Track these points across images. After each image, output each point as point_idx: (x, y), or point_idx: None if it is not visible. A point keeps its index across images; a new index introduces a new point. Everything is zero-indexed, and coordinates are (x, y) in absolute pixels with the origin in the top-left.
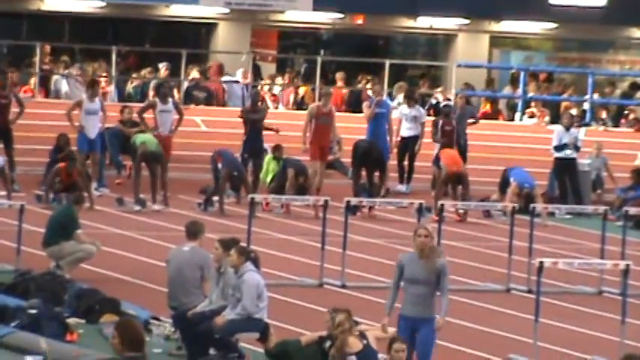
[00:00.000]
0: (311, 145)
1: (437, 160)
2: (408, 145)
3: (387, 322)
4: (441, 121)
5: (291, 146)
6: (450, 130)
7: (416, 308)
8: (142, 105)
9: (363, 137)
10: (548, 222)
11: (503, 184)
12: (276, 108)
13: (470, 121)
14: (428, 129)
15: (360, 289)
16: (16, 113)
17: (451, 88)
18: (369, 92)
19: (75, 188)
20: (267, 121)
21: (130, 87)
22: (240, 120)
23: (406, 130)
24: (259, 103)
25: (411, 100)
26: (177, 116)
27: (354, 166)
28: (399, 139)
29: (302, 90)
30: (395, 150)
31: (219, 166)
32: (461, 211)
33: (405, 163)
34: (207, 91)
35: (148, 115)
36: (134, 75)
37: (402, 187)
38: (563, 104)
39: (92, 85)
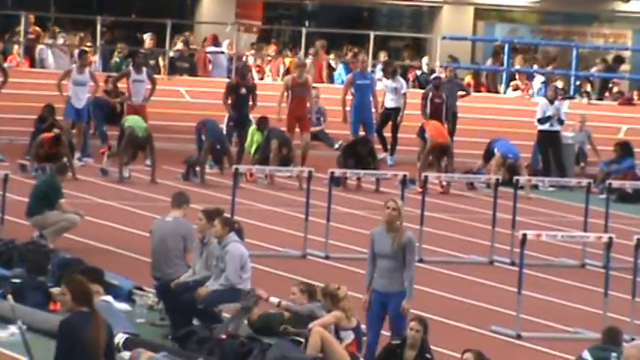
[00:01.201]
0: (287, 116)
1: (422, 132)
2: (390, 116)
3: (366, 298)
4: (430, 94)
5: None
6: (439, 103)
7: (384, 282)
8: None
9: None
10: (532, 194)
11: (488, 155)
12: (261, 79)
13: (461, 93)
14: (415, 101)
15: (343, 261)
16: (0, 82)
17: (435, 60)
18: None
19: (58, 158)
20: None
21: (116, 57)
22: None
23: (389, 102)
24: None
25: (386, 72)
26: (150, 86)
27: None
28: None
29: (287, 61)
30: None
31: (203, 137)
32: (444, 183)
33: (389, 134)
34: (191, 62)
35: (122, 85)
36: (119, 45)
37: (388, 159)
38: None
39: (80, 56)
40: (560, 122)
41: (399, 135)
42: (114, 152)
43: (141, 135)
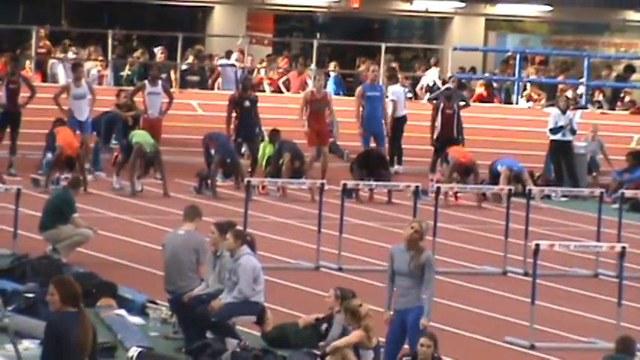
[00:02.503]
0: (307, 130)
1: (445, 157)
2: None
3: (388, 317)
4: (441, 105)
5: (291, 130)
6: (450, 114)
7: (403, 300)
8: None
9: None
10: (542, 204)
11: (493, 175)
12: (274, 92)
13: (461, 104)
14: (426, 112)
15: (356, 272)
16: (26, 98)
17: (447, 71)
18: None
19: (72, 164)
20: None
21: (126, 70)
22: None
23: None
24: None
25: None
26: (167, 99)
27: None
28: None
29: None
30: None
31: (212, 151)
32: (459, 194)
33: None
34: (202, 75)
35: (138, 98)
36: (129, 58)
37: (400, 168)
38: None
39: (74, 69)
40: (573, 132)
41: (410, 145)
42: (120, 162)
43: (149, 151)
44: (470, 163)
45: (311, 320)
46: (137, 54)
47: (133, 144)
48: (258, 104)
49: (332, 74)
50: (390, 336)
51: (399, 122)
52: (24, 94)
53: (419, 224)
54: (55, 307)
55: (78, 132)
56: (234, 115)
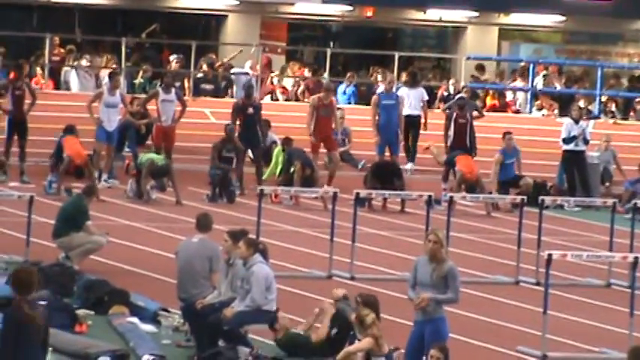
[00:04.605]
0: (313, 137)
1: (452, 163)
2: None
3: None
4: (454, 114)
5: (304, 138)
6: (463, 124)
7: (423, 311)
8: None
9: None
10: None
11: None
12: (287, 100)
13: (475, 114)
14: (439, 121)
15: (369, 281)
16: (28, 104)
17: (460, 80)
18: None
19: (81, 173)
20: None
21: (140, 78)
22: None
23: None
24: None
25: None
26: (180, 107)
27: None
28: None
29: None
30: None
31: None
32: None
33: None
34: (215, 84)
35: (151, 106)
36: (144, 68)
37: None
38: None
39: (111, 78)
40: (586, 142)
41: (423, 155)
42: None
43: (160, 164)
44: (474, 179)
45: (323, 336)
46: (145, 67)
47: (144, 162)
48: (271, 113)
49: (346, 84)
50: (409, 347)
51: (413, 121)
52: (27, 101)
53: (435, 235)
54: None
55: (106, 143)
56: (238, 122)
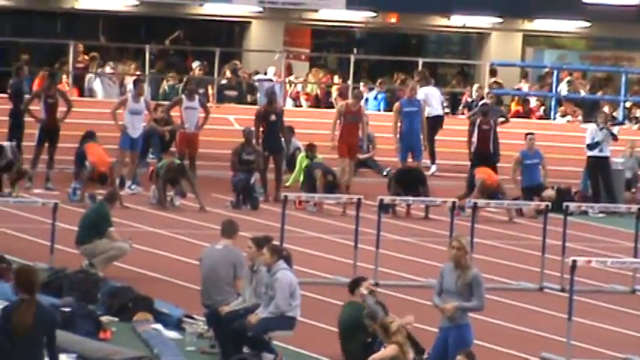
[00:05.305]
0: (339, 142)
1: (471, 178)
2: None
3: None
4: (478, 120)
5: (327, 144)
6: (487, 130)
7: (449, 318)
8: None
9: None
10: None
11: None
12: (310, 107)
13: (501, 120)
14: (463, 127)
15: (393, 288)
16: (63, 112)
17: (484, 86)
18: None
19: (104, 180)
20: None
21: (165, 85)
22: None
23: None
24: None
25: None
26: (203, 114)
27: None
28: None
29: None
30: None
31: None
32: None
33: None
34: (239, 90)
35: (175, 113)
36: (170, 75)
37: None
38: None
39: (135, 85)
40: (614, 137)
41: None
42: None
43: (174, 166)
44: (495, 185)
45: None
46: (171, 75)
47: (162, 166)
48: (295, 119)
49: (377, 90)
50: (432, 354)
51: (432, 121)
52: (61, 108)
53: (458, 242)
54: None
55: (130, 150)
56: (261, 129)
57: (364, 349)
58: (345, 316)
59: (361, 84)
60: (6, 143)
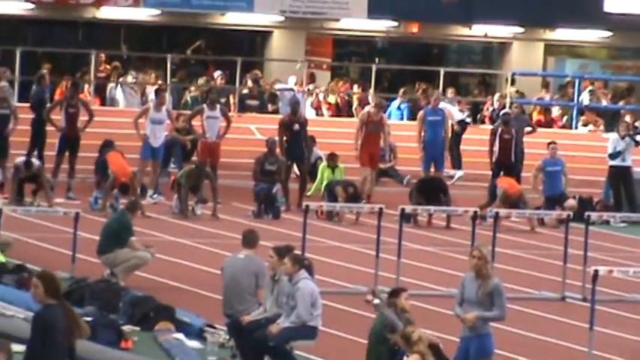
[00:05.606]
0: (360, 151)
1: (493, 188)
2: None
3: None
4: (499, 130)
5: (349, 154)
6: (508, 139)
7: (470, 327)
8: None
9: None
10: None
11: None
12: (332, 116)
13: (528, 129)
14: (484, 137)
15: (415, 297)
16: (84, 121)
17: (506, 96)
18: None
19: (126, 190)
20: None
21: (188, 96)
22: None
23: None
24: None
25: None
26: (224, 123)
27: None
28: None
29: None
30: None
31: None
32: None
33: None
34: (261, 99)
35: (196, 123)
36: (193, 86)
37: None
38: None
39: (157, 94)
40: (636, 143)
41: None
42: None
43: (196, 167)
44: (517, 194)
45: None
46: (201, 81)
47: (182, 174)
48: (317, 128)
49: (400, 99)
50: None
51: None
52: (82, 117)
53: (479, 251)
54: (38, 299)
55: (151, 160)
56: (284, 138)
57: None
58: (378, 325)
59: (370, 93)
60: (36, 162)
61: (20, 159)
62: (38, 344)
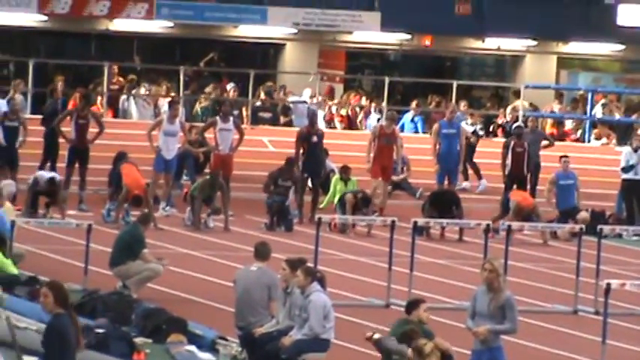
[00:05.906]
0: (373, 163)
1: (506, 201)
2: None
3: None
4: (512, 143)
5: (361, 167)
6: (521, 152)
7: (482, 341)
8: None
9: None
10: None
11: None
12: (344, 129)
13: (544, 143)
14: (497, 150)
15: (427, 310)
16: (95, 133)
17: (519, 109)
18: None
19: (139, 202)
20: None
21: (198, 107)
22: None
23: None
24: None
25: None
26: (238, 135)
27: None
28: None
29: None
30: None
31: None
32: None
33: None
34: (273, 112)
35: (209, 135)
36: (203, 96)
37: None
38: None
39: (170, 106)
40: None
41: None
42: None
43: (209, 177)
44: (530, 207)
45: None
46: (209, 89)
47: (196, 186)
48: (329, 141)
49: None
50: None
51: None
52: (92, 129)
53: (491, 264)
54: (48, 309)
55: (164, 172)
56: (301, 150)
57: None
58: (393, 333)
59: (372, 105)
60: (57, 177)
61: (41, 172)
62: (56, 354)
